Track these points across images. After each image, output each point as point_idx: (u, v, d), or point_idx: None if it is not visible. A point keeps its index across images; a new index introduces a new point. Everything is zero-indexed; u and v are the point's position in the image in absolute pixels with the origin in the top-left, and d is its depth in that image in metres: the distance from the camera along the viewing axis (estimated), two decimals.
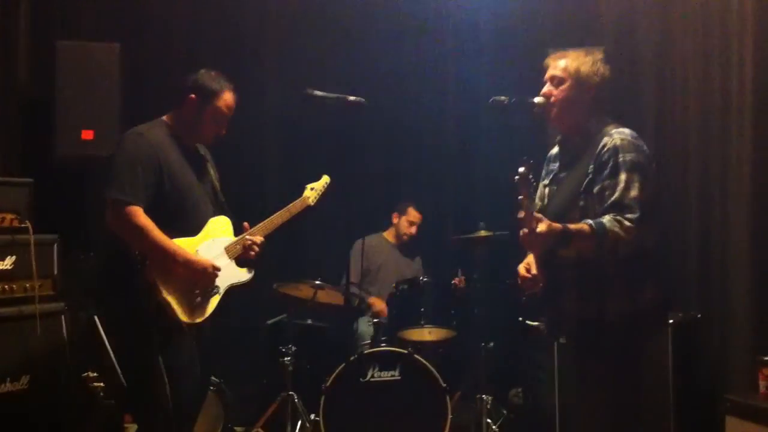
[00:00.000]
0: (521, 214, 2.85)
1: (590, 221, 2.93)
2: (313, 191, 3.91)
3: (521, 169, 2.82)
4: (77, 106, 4.72)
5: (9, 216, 3.88)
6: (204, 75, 3.51)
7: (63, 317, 3.98)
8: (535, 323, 4.57)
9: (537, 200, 3.43)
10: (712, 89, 4.65)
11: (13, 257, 3.82)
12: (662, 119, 5.02)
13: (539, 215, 2.84)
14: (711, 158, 4.69)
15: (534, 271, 3.22)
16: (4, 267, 3.79)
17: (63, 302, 4.01)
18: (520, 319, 4.58)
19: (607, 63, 3.24)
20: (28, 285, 3.84)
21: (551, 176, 3.33)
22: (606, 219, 2.93)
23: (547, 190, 3.34)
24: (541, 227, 2.81)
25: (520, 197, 2.82)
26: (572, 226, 2.91)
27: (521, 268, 3.26)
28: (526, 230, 2.85)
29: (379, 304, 5.23)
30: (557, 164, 3.33)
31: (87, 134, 4.73)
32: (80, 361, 4.09)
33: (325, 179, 3.99)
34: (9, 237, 3.83)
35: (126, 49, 4.88)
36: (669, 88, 4.98)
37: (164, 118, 3.54)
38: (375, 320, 4.87)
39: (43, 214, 4.13)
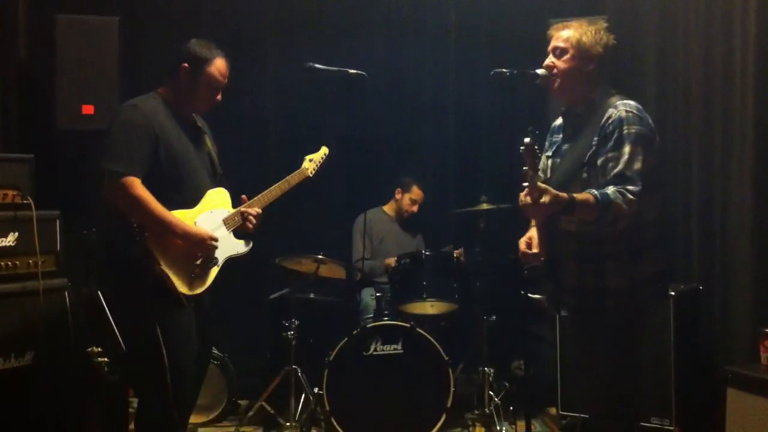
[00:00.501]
0: (525, 185, 2.83)
1: (594, 191, 2.93)
2: (311, 162, 3.92)
3: (526, 140, 2.79)
4: (77, 80, 4.70)
5: (11, 192, 3.86)
6: (195, 44, 3.52)
7: (66, 293, 3.98)
8: (537, 296, 4.60)
9: (540, 172, 3.43)
10: (715, 57, 4.63)
11: (16, 233, 3.81)
12: (664, 90, 5.01)
13: (543, 186, 2.83)
14: (713, 129, 4.67)
15: (535, 246, 3.23)
16: (6, 243, 3.78)
17: (66, 278, 4.00)
18: (522, 292, 4.60)
19: (610, 32, 3.22)
20: (30, 261, 3.83)
21: (554, 147, 3.32)
22: (610, 190, 2.93)
23: (549, 161, 3.33)
24: (545, 198, 2.80)
25: (524, 168, 2.80)
26: (578, 196, 2.91)
27: (522, 243, 3.27)
28: (529, 200, 2.83)
29: (392, 261, 5.22)
30: (560, 135, 3.33)
31: (87, 109, 4.71)
32: (84, 336, 4.11)
33: (324, 150, 3.99)
34: (11, 213, 3.81)
35: (125, 23, 4.85)
36: (671, 57, 4.96)
37: (159, 90, 3.54)
38: (377, 294, 4.88)
39: (45, 190, 4.13)
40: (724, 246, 4.56)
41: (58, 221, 4.00)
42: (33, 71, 4.96)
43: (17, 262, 3.81)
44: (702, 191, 4.72)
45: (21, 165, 3.99)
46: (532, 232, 3.29)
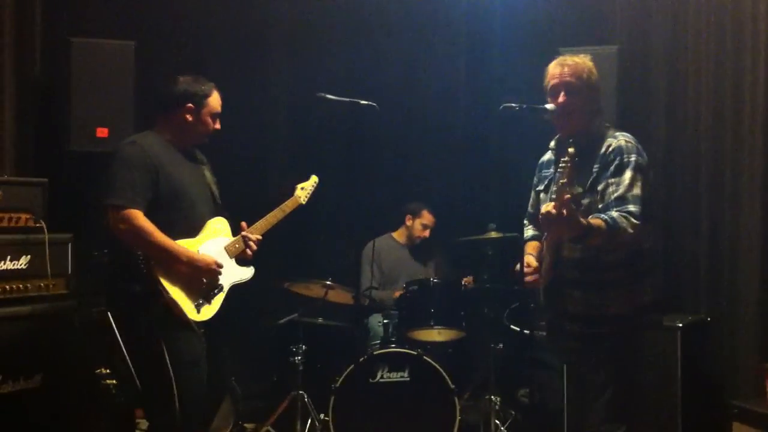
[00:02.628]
0: (559, 195, 2.87)
1: (603, 216, 3.02)
2: (303, 190, 4.04)
3: (570, 150, 2.85)
4: (92, 103, 4.74)
5: (24, 216, 3.90)
6: (190, 82, 3.63)
7: (76, 315, 4.01)
8: (517, 329, 4.65)
9: (530, 207, 3.50)
10: (724, 89, 4.65)
11: (28, 256, 3.85)
12: (674, 119, 5.02)
13: (565, 202, 2.86)
14: (722, 160, 4.68)
15: (533, 264, 3.30)
16: (18, 266, 3.82)
17: (76, 300, 4.04)
18: (511, 326, 4.65)
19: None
20: (42, 284, 3.87)
21: (546, 181, 3.40)
22: (615, 214, 3.04)
23: (542, 195, 3.41)
24: (567, 211, 2.85)
25: (562, 180, 2.84)
26: (592, 221, 3.00)
27: (523, 267, 3.35)
28: (551, 209, 2.87)
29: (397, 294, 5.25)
30: (550, 170, 3.41)
31: (102, 132, 4.76)
32: (93, 358, 4.14)
33: (314, 179, 4.12)
34: (23, 236, 3.86)
35: (140, 47, 4.91)
36: (681, 88, 4.98)
37: (156, 128, 3.64)
38: (385, 320, 4.89)
39: (58, 211, 4.17)
40: (732, 278, 4.56)
41: (69, 244, 4.05)
42: (48, 94, 5.01)
43: (28, 285, 3.84)
44: (711, 223, 4.72)
45: (34, 189, 4.03)
46: (528, 258, 3.35)
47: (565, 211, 2.85)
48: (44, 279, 3.87)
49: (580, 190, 3.11)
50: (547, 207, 2.91)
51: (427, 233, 5.56)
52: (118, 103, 4.78)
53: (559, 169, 2.90)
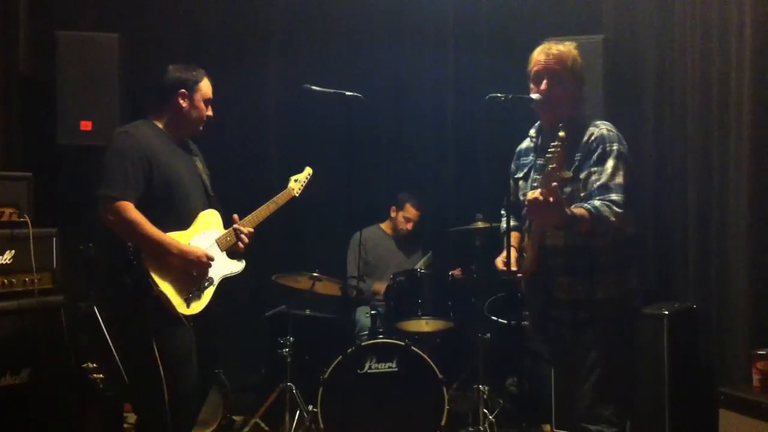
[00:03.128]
0: (546, 180, 2.88)
1: (586, 205, 3.04)
2: (297, 183, 4.03)
3: (561, 134, 2.85)
4: (77, 96, 4.76)
5: (8, 210, 3.92)
6: (180, 69, 3.63)
7: (62, 310, 4.02)
8: (503, 321, 4.66)
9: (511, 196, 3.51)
10: (711, 79, 4.64)
11: (12, 251, 3.87)
12: (661, 109, 5.03)
13: (552, 189, 2.87)
14: (710, 149, 4.68)
15: (513, 264, 3.31)
16: (3, 261, 3.84)
17: (62, 295, 4.05)
18: (492, 317, 4.66)
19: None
20: (27, 279, 3.88)
21: (526, 169, 3.41)
22: (597, 203, 3.05)
23: (521, 183, 3.42)
24: (552, 197, 2.86)
25: (552, 165, 2.85)
26: (575, 210, 3.01)
27: (499, 262, 3.39)
28: (538, 195, 2.87)
29: (380, 287, 5.26)
30: (530, 156, 3.42)
31: (86, 125, 4.76)
32: (80, 352, 4.14)
33: (308, 171, 4.10)
34: (8, 231, 3.87)
35: (125, 40, 4.90)
36: (668, 77, 4.98)
37: (150, 118, 3.62)
38: (372, 312, 4.89)
39: (44, 204, 4.17)
40: (721, 266, 4.56)
41: (54, 239, 4.05)
42: (34, 87, 5.00)
43: (14, 280, 3.86)
44: (699, 210, 4.72)
45: (19, 183, 4.05)
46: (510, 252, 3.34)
47: (551, 198, 2.86)
48: (29, 274, 3.88)
49: (570, 174, 3.11)
50: (534, 193, 2.90)
51: (410, 226, 5.56)
52: (103, 96, 4.79)
53: (548, 154, 2.89)
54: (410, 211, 5.55)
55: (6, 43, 4.87)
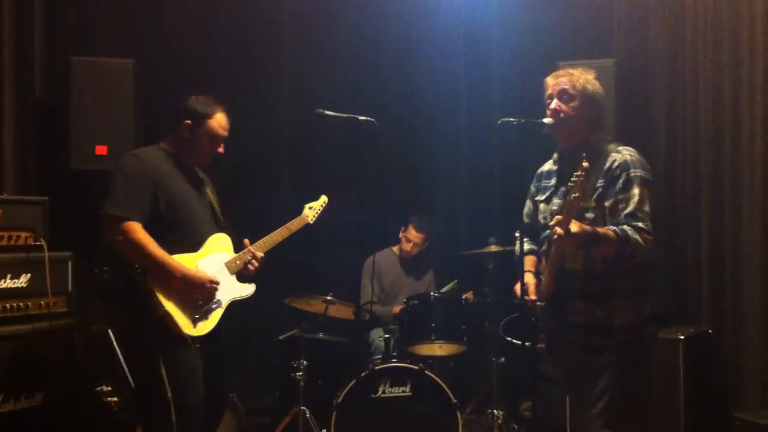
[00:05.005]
0: (568, 211, 2.90)
1: (614, 227, 3.05)
2: (311, 210, 4.06)
3: (585, 164, 2.85)
4: (91, 121, 4.78)
5: (24, 234, 3.93)
6: (195, 101, 3.66)
7: (76, 333, 4.03)
8: (515, 341, 4.65)
9: (525, 217, 3.50)
10: (723, 102, 4.65)
11: (28, 275, 3.88)
12: (673, 132, 5.02)
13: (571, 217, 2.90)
14: (723, 171, 4.68)
15: (532, 293, 3.31)
16: (19, 284, 3.85)
17: (76, 318, 4.06)
18: (508, 338, 4.64)
19: (607, 78, 3.33)
20: (42, 302, 3.89)
21: (548, 192, 3.39)
22: (626, 227, 3.05)
23: (542, 206, 3.40)
24: (575, 227, 2.90)
25: (575, 195, 2.85)
26: (600, 230, 3.02)
27: (517, 290, 3.37)
28: (561, 231, 2.90)
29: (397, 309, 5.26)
30: (552, 180, 3.40)
31: (101, 149, 4.78)
32: (94, 375, 4.15)
33: (323, 199, 4.13)
34: (24, 255, 3.88)
35: (140, 66, 4.94)
36: (679, 100, 4.98)
37: (161, 143, 3.67)
38: (386, 335, 4.88)
39: (59, 229, 4.19)
40: (734, 289, 4.55)
41: (69, 262, 4.07)
42: (49, 112, 5.03)
43: (29, 303, 3.87)
44: (712, 235, 4.71)
45: (35, 207, 4.06)
46: (527, 278, 3.35)
47: (573, 227, 2.87)
48: (45, 297, 3.88)
49: (593, 204, 3.12)
50: (558, 230, 2.91)
51: (410, 247, 5.53)
52: (117, 120, 4.80)
53: (570, 183, 2.90)
54: (411, 233, 5.52)
55: (22, 68, 4.90)
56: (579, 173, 2.85)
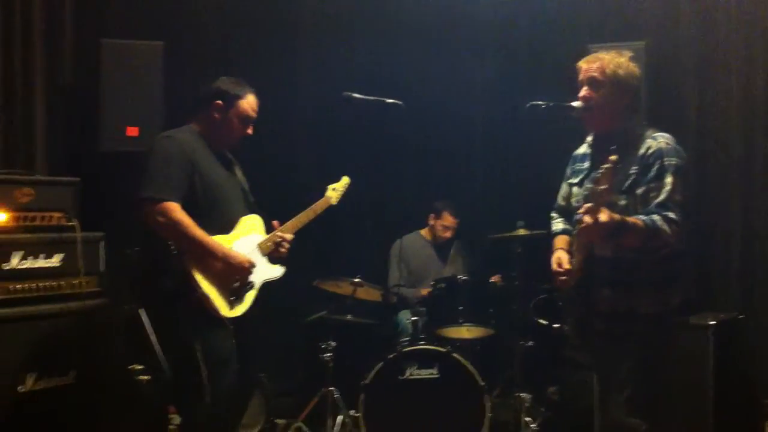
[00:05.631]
0: (595, 202, 2.86)
1: (643, 217, 3.01)
2: (334, 191, 4.06)
3: (613, 157, 2.82)
4: (122, 103, 4.81)
5: (56, 215, 3.96)
6: (226, 81, 3.67)
7: (108, 312, 4.07)
8: (544, 322, 4.63)
9: (561, 200, 3.48)
10: (756, 85, 4.61)
11: (61, 255, 3.91)
12: (704, 116, 4.98)
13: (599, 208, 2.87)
14: (754, 155, 4.64)
15: (565, 262, 3.28)
16: (51, 264, 3.88)
17: (108, 298, 4.09)
18: (537, 320, 4.63)
19: (636, 61, 3.26)
20: (74, 282, 3.92)
21: (581, 175, 3.37)
22: (655, 217, 3.01)
23: (575, 189, 3.39)
24: (603, 216, 2.85)
25: (602, 187, 2.83)
26: (629, 219, 2.98)
27: (554, 263, 3.33)
28: (589, 219, 2.87)
29: (425, 292, 5.27)
30: (586, 163, 3.37)
31: (132, 131, 4.82)
32: (126, 354, 4.19)
33: (346, 180, 4.13)
34: (56, 235, 3.91)
35: (169, 48, 4.95)
36: (711, 83, 4.94)
37: (191, 124, 3.67)
38: (413, 317, 4.89)
39: (90, 210, 4.22)
40: (766, 276, 4.51)
41: (101, 242, 4.10)
42: (79, 94, 5.07)
43: (62, 283, 3.89)
44: (743, 220, 4.68)
45: (67, 188, 4.09)
46: (560, 253, 3.35)
47: (601, 216, 2.84)
48: (77, 277, 3.92)
49: (623, 202, 3.09)
50: (586, 219, 2.88)
51: (448, 234, 5.57)
52: (147, 102, 4.83)
53: (598, 173, 2.88)
54: (448, 219, 5.55)
55: (52, 51, 4.94)
56: (607, 165, 2.81)
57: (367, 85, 4.37)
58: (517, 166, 5.58)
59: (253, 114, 3.69)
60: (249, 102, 3.66)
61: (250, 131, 3.70)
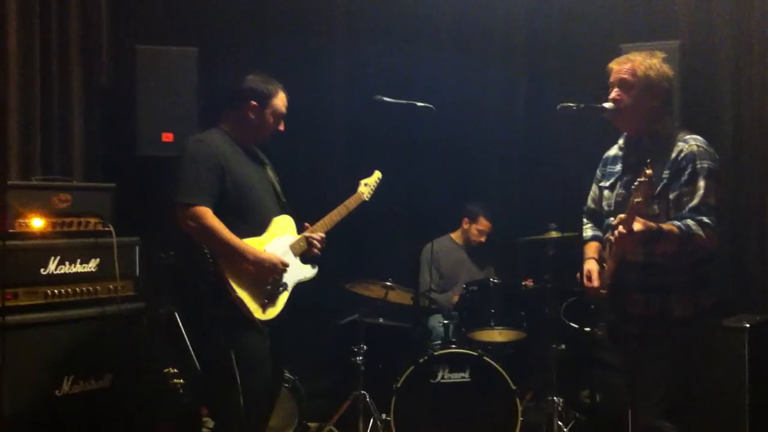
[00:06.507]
0: (630, 214, 2.87)
1: (677, 222, 2.99)
2: (366, 187, 4.05)
3: (648, 171, 2.81)
4: (157, 109, 4.86)
5: (93, 220, 4.03)
6: (257, 80, 3.68)
7: (144, 316, 4.13)
8: (575, 325, 4.60)
9: (590, 202, 3.46)
10: None
11: (97, 260, 3.97)
12: (740, 116, 4.91)
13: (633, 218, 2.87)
14: None
15: (595, 279, 3.28)
16: (88, 269, 3.95)
17: (144, 302, 4.16)
18: (569, 323, 4.60)
19: (670, 61, 3.24)
20: (111, 286, 3.98)
21: (612, 178, 3.35)
22: (690, 222, 2.99)
23: (605, 192, 3.36)
24: (638, 226, 2.85)
25: (637, 200, 2.82)
26: (664, 226, 2.97)
27: (584, 276, 3.34)
28: (623, 230, 2.86)
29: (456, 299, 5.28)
30: (618, 166, 3.36)
31: (167, 136, 4.87)
32: (161, 358, 4.24)
33: (377, 175, 4.12)
34: (93, 240, 3.98)
35: (203, 54, 5.01)
36: (746, 84, 4.86)
37: (221, 125, 3.69)
38: (445, 321, 4.90)
39: (125, 215, 4.28)
40: None
41: (137, 247, 4.16)
42: (115, 100, 5.14)
43: (98, 287, 3.96)
44: None
45: (103, 193, 4.17)
46: (590, 265, 3.34)
47: (636, 225, 2.84)
48: (113, 281, 3.97)
49: (656, 206, 3.07)
50: (621, 229, 2.89)
51: (483, 238, 5.57)
52: (182, 108, 4.89)
53: (633, 186, 2.86)
54: (483, 223, 5.55)
55: (88, 57, 5.02)
56: (642, 179, 2.80)
57: (400, 88, 4.38)
58: (549, 168, 5.54)
59: (284, 110, 3.72)
60: (281, 98, 3.69)
61: (281, 127, 3.72)
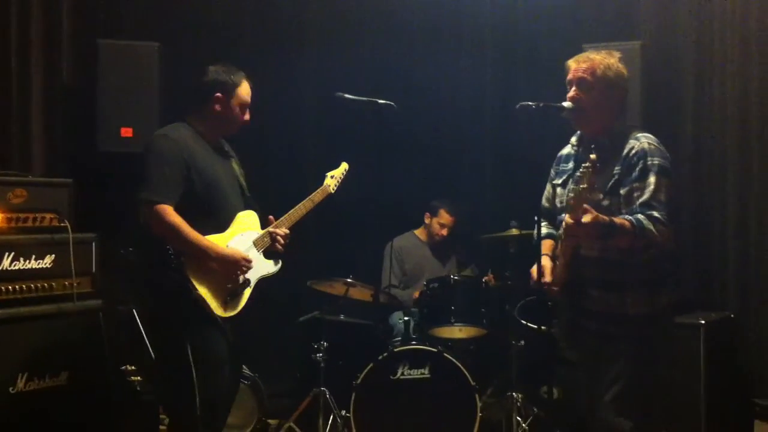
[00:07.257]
0: (577, 202, 2.87)
1: (629, 217, 3.00)
2: (333, 179, 4.00)
3: (593, 156, 2.82)
4: (118, 103, 4.84)
5: (49, 215, 3.97)
6: (220, 71, 3.61)
7: (101, 314, 4.07)
8: (532, 325, 4.63)
9: (545, 201, 3.48)
10: (751, 86, 4.60)
11: (53, 256, 3.91)
12: (700, 116, 4.97)
13: (587, 206, 2.87)
14: (750, 156, 4.63)
15: (548, 275, 3.27)
16: (43, 265, 3.89)
17: (101, 299, 4.10)
18: (523, 321, 4.63)
19: (631, 62, 3.27)
20: (66, 283, 3.93)
21: (564, 176, 3.37)
22: (641, 217, 3.00)
23: (558, 190, 3.39)
24: (587, 217, 2.85)
25: (583, 186, 2.84)
26: (616, 220, 2.98)
27: (534, 272, 3.34)
28: (571, 220, 2.88)
29: (417, 294, 5.29)
30: (570, 164, 3.38)
31: (126, 131, 4.85)
32: (119, 355, 4.21)
33: (344, 166, 4.07)
34: (48, 236, 3.93)
35: (165, 49, 4.98)
36: (707, 84, 4.92)
37: (187, 119, 3.63)
38: (405, 318, 4.91)
39: (84, 210, 4.24)
40: (760, 275, 4.51)
41: (94, 243, 4.10)
42: (76, 95, 5.10)
43: (53, 284, 3.90)
44: (738, 220, 4.67)
45: (60, 189, 4.10)
46: (543, 261, 3.33)
47: (585, 218, 2.84)
48: (69, 278, 3.92)
49: (600, 196, 3.08)
50: (567, 219, 2.90)
51: (444, 232, 5.55)
52: (144, 103, 4.86)
53: (578, 173, 2.88)
54: (445, 217, 5.54)
55: (50, 51, 4.98)
56: (587, 165, 2.82)
57: (369, 83, 4.36)
58: (512, 166, 5.57)
59: (249, 99, 3.66)
60: (245, 87, 3.64)
61: (247, 117, 3.67)
